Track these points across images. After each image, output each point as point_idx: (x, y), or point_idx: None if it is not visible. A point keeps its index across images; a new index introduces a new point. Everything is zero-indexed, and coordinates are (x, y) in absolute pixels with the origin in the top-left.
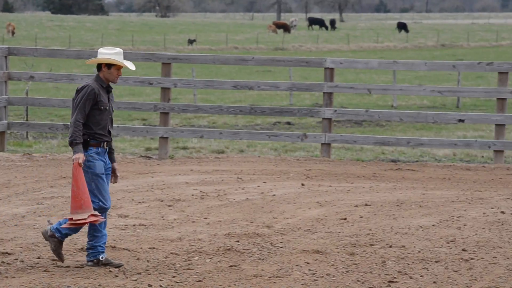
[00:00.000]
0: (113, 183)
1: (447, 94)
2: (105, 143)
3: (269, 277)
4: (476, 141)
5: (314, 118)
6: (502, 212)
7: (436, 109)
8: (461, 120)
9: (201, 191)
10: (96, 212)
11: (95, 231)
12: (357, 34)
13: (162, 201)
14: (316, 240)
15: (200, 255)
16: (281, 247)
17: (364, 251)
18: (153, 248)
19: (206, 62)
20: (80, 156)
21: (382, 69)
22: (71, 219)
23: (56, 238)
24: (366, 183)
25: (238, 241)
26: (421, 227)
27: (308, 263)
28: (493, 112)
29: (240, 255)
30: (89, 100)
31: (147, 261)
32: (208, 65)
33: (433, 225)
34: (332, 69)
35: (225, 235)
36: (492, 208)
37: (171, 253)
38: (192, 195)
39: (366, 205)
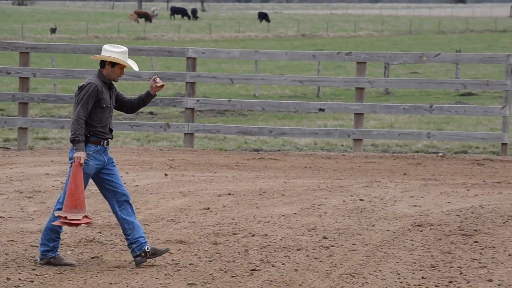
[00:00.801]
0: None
1: (308, 84)
2: (106, 141)
3: (132, 268)
4: (336, 130)
5: (177, 108)
6: (361, 200)
7: (298, 99)
8: (321, 109)
9: (62, 182)
10: (89, 215)
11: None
12: (218, 24)
13: (21, 192)
14: (179, 230)
15: (61, 247)
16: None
17: (227, 240)
18: (12, 240)
19: (66, 52)
20: (82, 155)
21: (244, 59)
22: (65, 217)
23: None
24: (229, 173)
25: (100, 233)
26: (283, 215)
27: (171, 253)
28: (352, 101)
29: (102, 247)
30: (92, 97)
31: (6, 254)
32: (69, 55)
33: (295, 214)
34: (194, 58)
35: (86, 226)
36: (351, 196)
37: (31, 246)
38: (53, 186)
39: (229, 194)
